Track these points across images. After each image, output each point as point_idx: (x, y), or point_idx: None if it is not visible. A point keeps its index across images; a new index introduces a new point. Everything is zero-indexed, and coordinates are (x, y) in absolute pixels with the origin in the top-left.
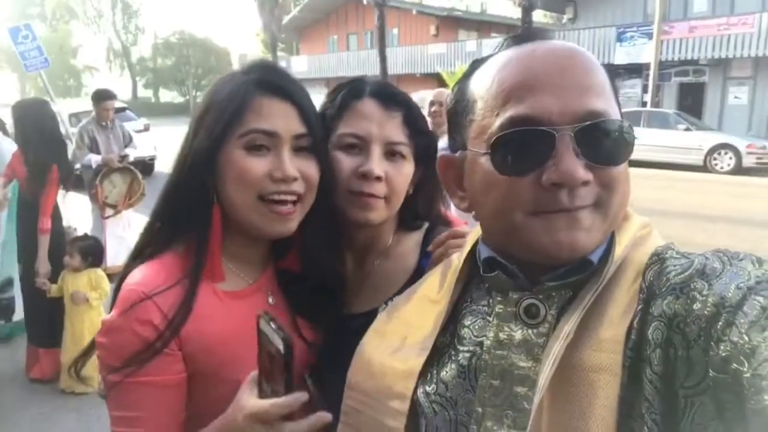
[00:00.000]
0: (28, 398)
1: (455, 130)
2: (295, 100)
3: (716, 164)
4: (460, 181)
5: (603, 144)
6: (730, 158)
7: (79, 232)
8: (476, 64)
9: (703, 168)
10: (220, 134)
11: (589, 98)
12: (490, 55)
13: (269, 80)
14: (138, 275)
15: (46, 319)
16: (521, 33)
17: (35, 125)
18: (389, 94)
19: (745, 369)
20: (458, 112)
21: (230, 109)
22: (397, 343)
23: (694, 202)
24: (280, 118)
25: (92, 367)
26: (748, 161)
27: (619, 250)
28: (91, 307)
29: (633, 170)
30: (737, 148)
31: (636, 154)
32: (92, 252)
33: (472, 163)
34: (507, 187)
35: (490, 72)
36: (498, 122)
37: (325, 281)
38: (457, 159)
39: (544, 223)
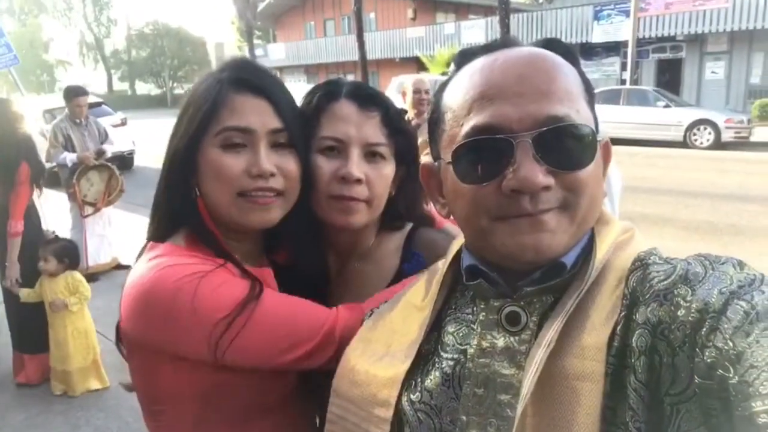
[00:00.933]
0: (14, 403)
1: (432, 140)
2: (270, 95)
3: (696, 140)
4: (441, 189)
5: (564, 148)
6: (709, 133)
7: (59, 233)
8: (455, 70)
9: (683, 144)
10: (195, 133)
11: (549, 104)
12: (469, 60)
13: (242, 77)
14: (176, 267)
15: (31, 326)
16: (491, 42)
17: None
18: (366, 95)
19: (731, 375)
20: (433, 122)
21: (204, 108)
22: (381, 350)
23: (676, 179)
24: (255, 115)
25: (89, 370)
26: (727, 136)
27: (600, 255)
28: (71, 312)
29: (616, 148)
30: (716, 123)
31: (617, 132)
32: (67, 254)
33: (444, 171)
34: (472, 195)
35: (458, 83)
36: (462, 132)
37: (311, 276)
38: (435, 168)
39: (509, 226)
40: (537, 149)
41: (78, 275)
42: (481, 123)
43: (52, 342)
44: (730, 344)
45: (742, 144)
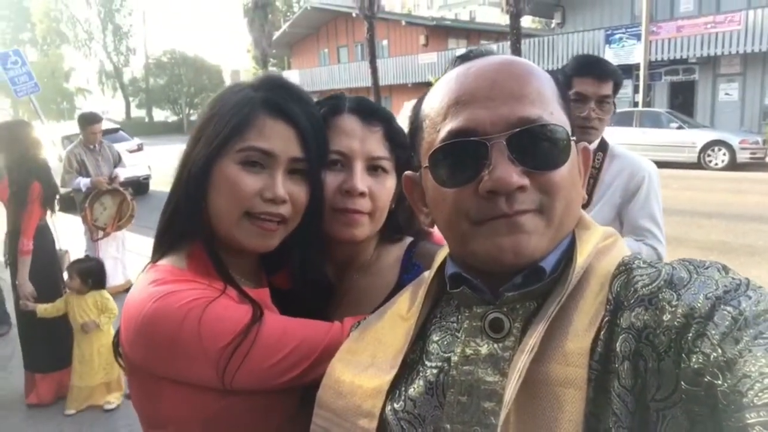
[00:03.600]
0: (25, 425)
1: (413, 150)
2: (298, 123)
3: (710, 161)
4: (424, 199)
5: (537, 149)
6: (724, 154)
7: (73, 254)
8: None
9: (698, 165)
10: (218, 146)
11: (521, 106)
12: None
13: (276, 101)
14: (178, 294)
15: (42, 345)
16: (465, 54)
17: (14, 146)
18: (368, 110)
19: (720, 382)
20: (413, 132)
21: (232, 123)
22: (367, 360)
23: (689, 199)
24: (280, 140)
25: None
26: (742, 156)
27: (581, 260)
28: (100, 330)
29: None
30: (730, 144)
31: None
32: (91, 274)
33: (425, 178)
34: (452, 199)
35: (435, 92)
36: (438, 137)
37: (316, 296)
38: (417, 177)
39: (487, 230)
40: (511, 150)
41: (106, 293)
42: (456, 127)
43: (77, 359)
44: (719, 351)
45: (757, 165)
